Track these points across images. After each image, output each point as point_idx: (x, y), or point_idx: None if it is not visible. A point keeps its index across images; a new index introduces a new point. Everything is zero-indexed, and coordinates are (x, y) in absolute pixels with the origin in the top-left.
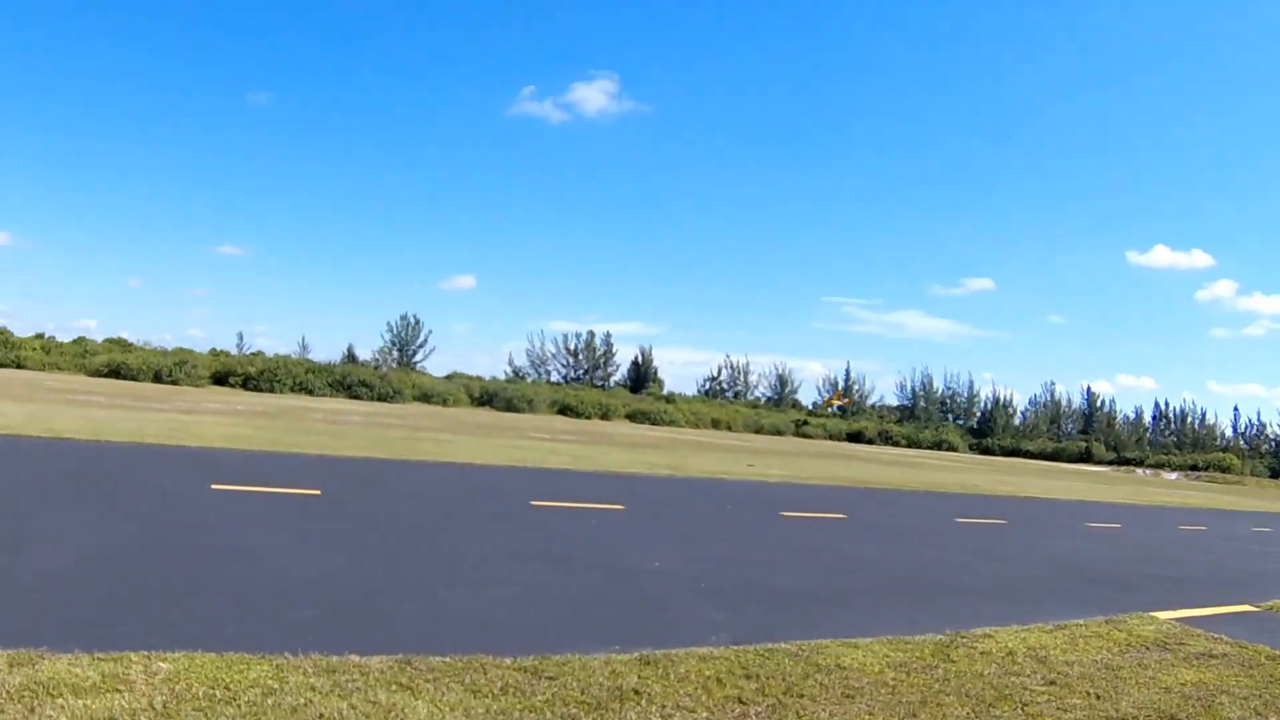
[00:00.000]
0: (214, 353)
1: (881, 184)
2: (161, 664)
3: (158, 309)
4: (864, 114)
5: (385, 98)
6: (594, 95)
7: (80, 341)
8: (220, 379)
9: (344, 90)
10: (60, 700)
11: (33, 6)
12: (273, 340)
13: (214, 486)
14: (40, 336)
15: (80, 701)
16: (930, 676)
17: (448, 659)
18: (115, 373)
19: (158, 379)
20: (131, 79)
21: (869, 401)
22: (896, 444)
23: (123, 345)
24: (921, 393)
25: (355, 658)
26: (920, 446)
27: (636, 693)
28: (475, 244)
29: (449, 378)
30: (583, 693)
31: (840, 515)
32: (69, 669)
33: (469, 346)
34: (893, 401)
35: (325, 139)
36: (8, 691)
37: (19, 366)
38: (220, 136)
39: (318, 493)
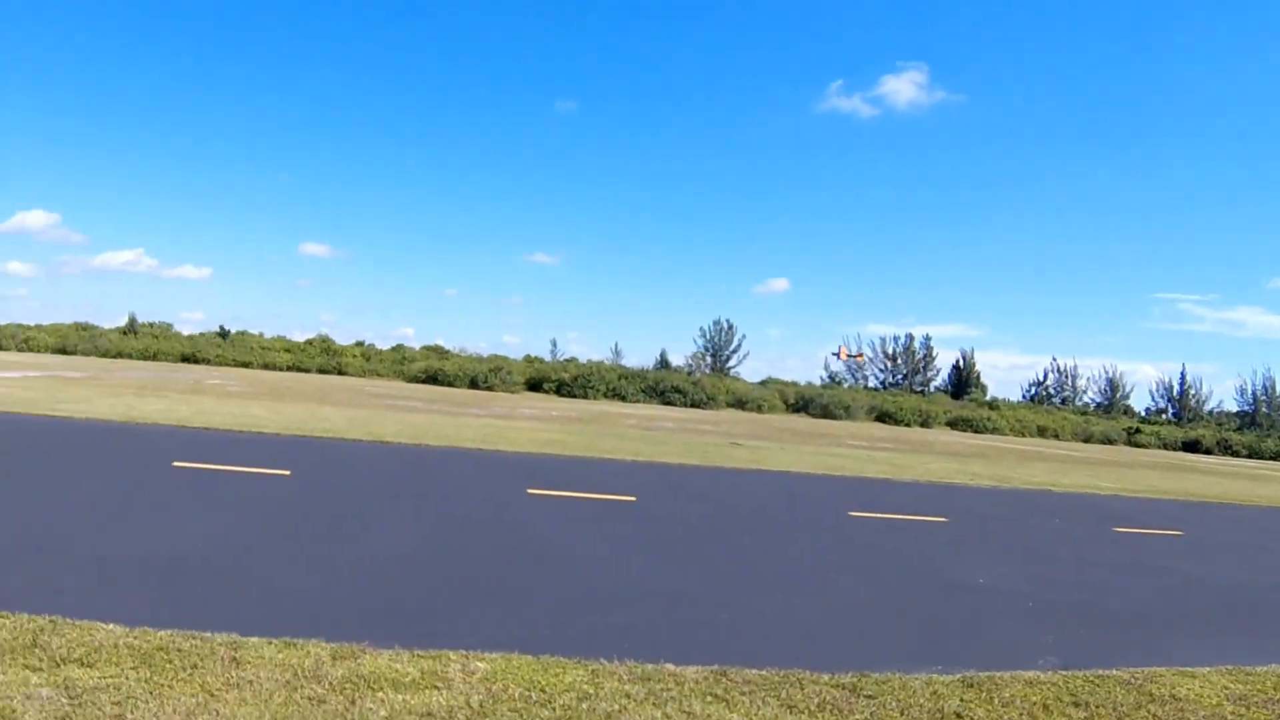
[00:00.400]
0: (528, 359)
1: (1215, 171)
2: (479, 664)
3: (473, 317)
4: (1195, 98)
5: (692, 100)
6: (904, 87)
7: (399, 349)
8: (534, 385)
9: (652, 95)
10: (380, 694)
11: (347, 27)
12: (585, 346)
13: (530, 491)
14: (361, 344)
15: (400, 696)
16: (1274, 713)
17: (764, 672)
18: (432, 379)
19: (473, 385)
20: (445, 91)
21: (1206, 407)
22: (1236, 454)
23: (439, 352)
24: (1264, 398)
25: (670, 666)
26: (1262, 457)
27: (959, 716)
28: (788, 246)
29: (763, 383)
30: (902, 714)
31: (1176, 532)
32: (389, 664)
33: (783, 351)
34: (1232, 407)
35: (632, 144)
36: (330, 683)
37: (341, 373)
38: (531, 145)
39: (633, 499)
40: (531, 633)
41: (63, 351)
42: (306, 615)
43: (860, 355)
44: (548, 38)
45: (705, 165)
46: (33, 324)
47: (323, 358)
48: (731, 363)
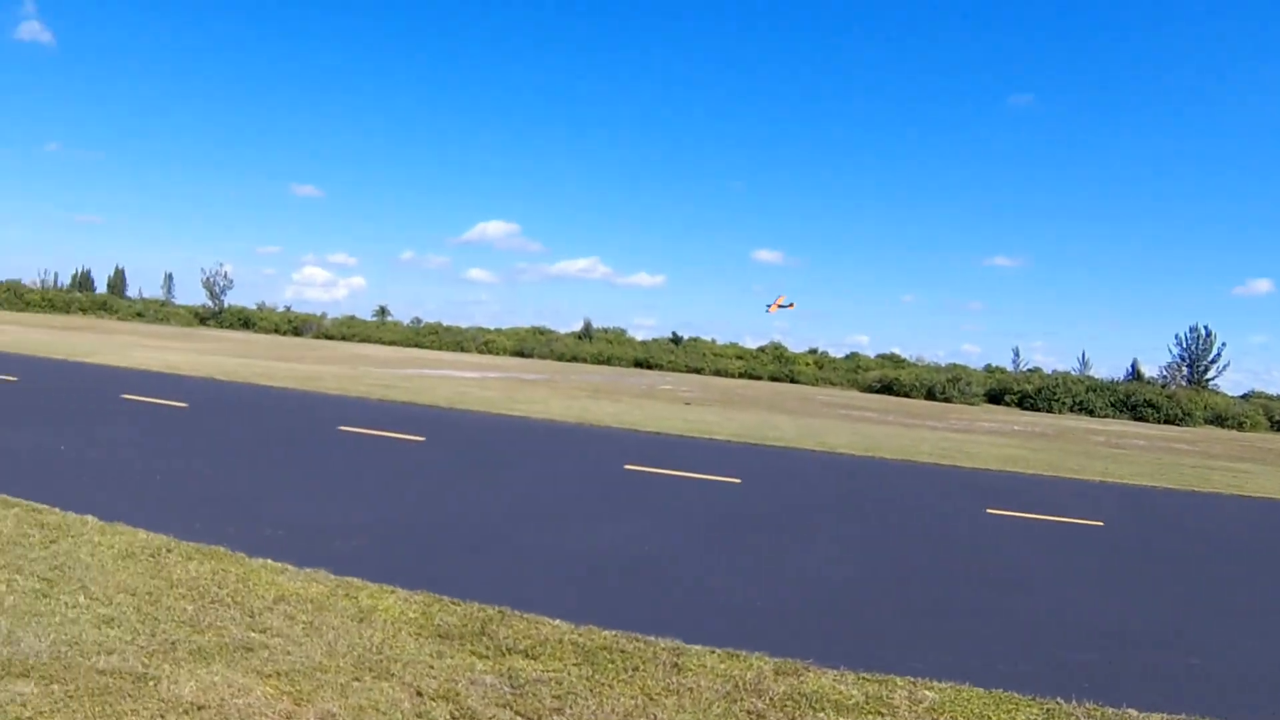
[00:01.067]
0: (989, 369)
1: None
2: (927, 692)
3: (930, 324)
4: None
5: (1152, 93)
6: None
7: (853, 357)
8: (994, 397)
9: (1112, 85)
10: (822, 715)
11: (792, 36)
12: (1050, 356)
13: (989, 511)
14: (813, 352)
15: None
16: None
17: None
18: (887, 388)
19: (930, 396)
20: (893, 92)
21: None
22: None
23: (895, 361)
24: None
25: (1133, 712)
26: None
27: None
28: (1271, 241)
29: (1244, 397)
30: None
31: None
32: (833, 684)
33: (1268, 361)
34: None
35: (1090, 139)
36: (771, 698)
37: (793, 380)
38: (984, 142)
39: (1099, 524)
40: (984, 663)
41: (520, 354)
42: (750, 626)
43: (791, 305)
44: (1000, 27)
45: (1174, 161)
46: (493, 328)
47: (775, 365)
48: (1210, 374)
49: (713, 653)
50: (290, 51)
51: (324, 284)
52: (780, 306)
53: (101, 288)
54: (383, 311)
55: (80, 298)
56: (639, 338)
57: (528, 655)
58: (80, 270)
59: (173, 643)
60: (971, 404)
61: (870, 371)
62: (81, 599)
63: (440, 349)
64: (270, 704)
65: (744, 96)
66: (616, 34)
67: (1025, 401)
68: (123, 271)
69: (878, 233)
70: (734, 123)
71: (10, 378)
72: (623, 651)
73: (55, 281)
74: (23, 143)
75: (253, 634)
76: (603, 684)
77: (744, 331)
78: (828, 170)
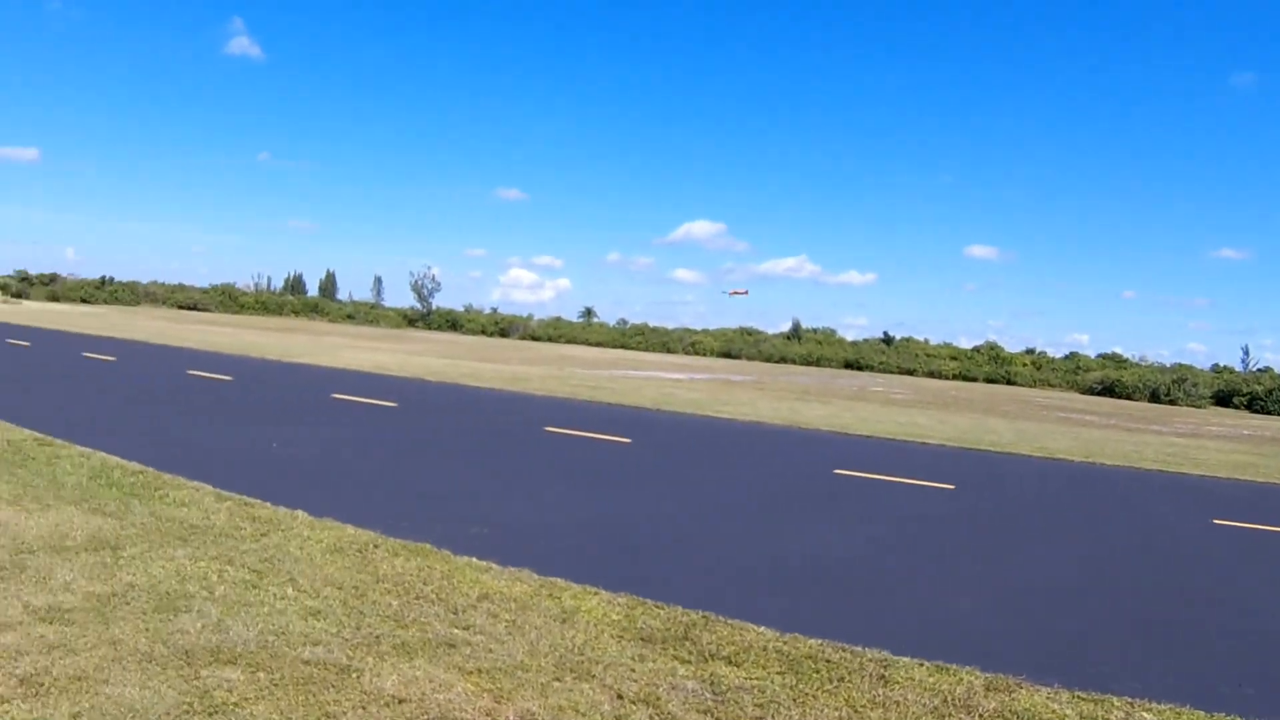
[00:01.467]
0: (1216, 369)
1: None
2: (1145, 714)
3: (1153, 322)
4: None
5: None
6: None
7: (1072, 357)
8: (1222, 399)
9: None
10: None
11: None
12: None
13: (1215, 522)
14: (1030, 352)
15: None
16: None
17: None
18: (1108, 390)
19: (1154, 398)
20: (1114, 77)
21: None
22: None
23: (1116, 361)
24: None
25: None
26: None
27: None
28: None
29: None
30: None
31: None
32: (1046, 703)
33: None
34: None
35: None
36: (981, 715)
37: (1009, 382)
38: (1203, 126)
39: None
40: (1207, 686)
41: (727, 355)
42: (960, 638)
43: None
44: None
45: None
46: (699, 328)
47: (990, 366)
48: None
49: (921, 665)
50: (493, 58)
51: (530, 286)
52: (735, 294)
53: (313, 290)
54: (589, 313)
55: (292, 300)
56: (849, 338)
57: (731, 662)
58: (292, 274)
59: (377, 636)
60: (1198, 407)
61: (1090, 372)
62: (289, 591)
63: (646, 350)
64: (470, 700)
65: (953, 88)
66: (822, 31)
67: (1255, 404)
68: (333, 275)
69: (1096, 225)
70: (942, 115)
71: (225, 377)
72: (828, 661)
73: (268, 285)
74: (235, 153)
75: (455, 630)
76: (806, 694)
77: (958, 331)
78: (1042, 161)
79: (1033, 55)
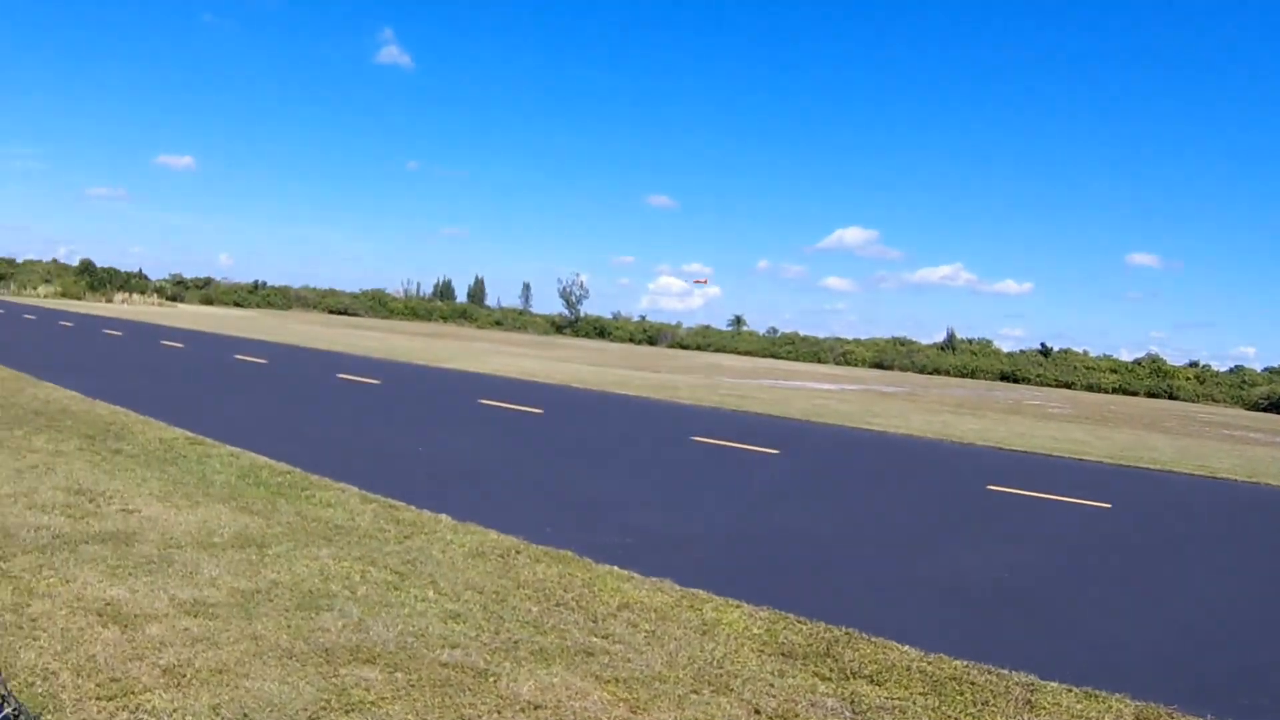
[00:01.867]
0: None
1: None
2: None
3: None
4: None
5: None
6: None
7: (1238, 371)
8: None
9: None
10: None
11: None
12: None
13: None
14: (1194, 365)
15: None
16: None
17: None
18: (1275, 406)
19: None
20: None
21: None
22: None
23: None
24: None
25: None
26: None
27: None
28: None
29: None
30: None
31: None
32: None
33: None
34: None
35: None
36: None
37: (1171, 396)
38: None
39: None
40: None
41: (879, 365)
42: (1112, 665)
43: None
44: None
45: None
46: (851, 338)
47: (1151, 379)
48: None
49: (1069, 691)
50: (643, 65)
51: (679, 293)
52: (698, 283)
53: (462, 296)
54: (738, 321)
55: (441, 306)
56: (1005, 349)
57: (872, 681)
58: (441, 280)
59: (515, 642)
60: None
61: (1257, 387)
62: (430, 593)
63: (796, 359)
64: (606, 709)
65: (1115, 90)
66: (982, 36)
67: None
68: (482, 281)
69: (1264, 233)
70: (1102, 119)
71: (374, 381)
72: (973, 683)
73: (418, 290)
74: (386, 161)
75: (594, 639)
76: (949, 716)
77: (1118, 343)
78: (1208, 165)
79: (1197, 55)
